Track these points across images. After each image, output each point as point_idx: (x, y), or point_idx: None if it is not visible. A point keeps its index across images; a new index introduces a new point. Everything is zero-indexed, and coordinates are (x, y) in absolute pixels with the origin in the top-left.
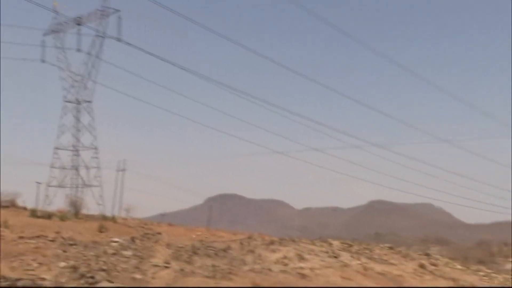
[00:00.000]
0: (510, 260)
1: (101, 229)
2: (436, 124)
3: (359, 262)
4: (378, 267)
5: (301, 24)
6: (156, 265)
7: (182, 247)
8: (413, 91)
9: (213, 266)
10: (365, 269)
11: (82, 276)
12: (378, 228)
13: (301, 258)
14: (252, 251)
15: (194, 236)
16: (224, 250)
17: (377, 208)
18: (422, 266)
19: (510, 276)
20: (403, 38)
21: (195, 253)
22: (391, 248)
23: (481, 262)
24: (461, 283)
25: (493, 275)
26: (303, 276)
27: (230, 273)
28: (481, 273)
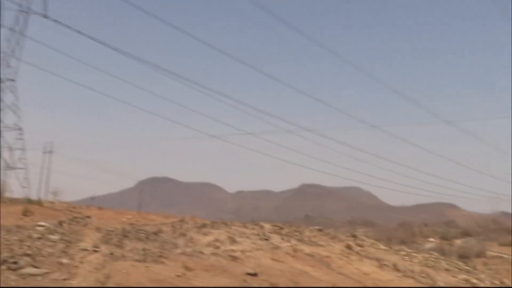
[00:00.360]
0: (430, 240)
1: (25, 213)
2: (364, 110)
3: (289, 244)
4: (307, 249)
5: (237, 8)
6: (84, 249)
7: (112, 231)
8: (343, 77)
9: (144, 249)
10: (295, 250)
11: (4, 261)
12: (308, 211)
13: (232, 241)
14: (183, 234)
15: (124, 219)
16: (155, 234)
17: (308, 191)
18: (348, 247)
19: (429, 255)
20: (337, 25)
21: (125, 236)
22: (320, 230)
23: (403, 242)
24: (384, 263)
25: (414, 254)
26: (234, 258)
27: (161, 256)
28: (403, 253)
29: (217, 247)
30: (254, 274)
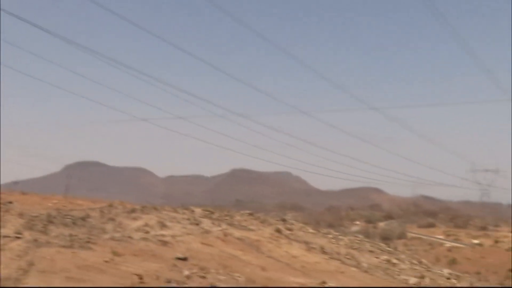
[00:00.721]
0: (355, 223)
1: None
2: (294, 96)
3: (219, 228)
4: (238, 233)
5: None
6: (6, 236)
7: (36, 216)
8: (273, 63)
9: (71, 235)
10: (225, 235)
11: None
12: (239, 195)
13: (163, 225)
14: (112, 219)
15: (50, 204)
16: (83, 219)
17: (239, 176)
18: (278, 230)
19: (354, 238)
20: (269, 12)
21: (51, 222)
22: (250, 214)
23: (330, 225)
24: (312, 246)
25: (340, 237)
26: (164, 243)
27: (88, 242)
28: (330, 236)
29: (147, 232)
30: (184, 259)
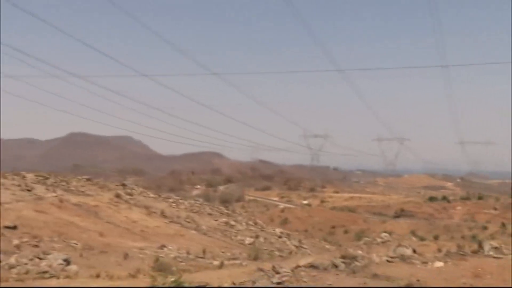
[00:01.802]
0: (196, 187)
1: None
2: (135, 59)
3: (54, 194)
4: (75, 199)
5: None
6: None
7: None
8: (116, 24)
9: None
10: (61, 201)
11: None
12: (78, 160)
13: None
14: None
15: None
16: None
17: (77, 140)
18: (118, 196)
19: (194, 201)
20: None
21: None
22: (88, 179)
23: (172, 190)
24: (153, 210)
25: (181, 201)
26: None
27: None
28: (171, 200)
29: None
30: (14, 227)
